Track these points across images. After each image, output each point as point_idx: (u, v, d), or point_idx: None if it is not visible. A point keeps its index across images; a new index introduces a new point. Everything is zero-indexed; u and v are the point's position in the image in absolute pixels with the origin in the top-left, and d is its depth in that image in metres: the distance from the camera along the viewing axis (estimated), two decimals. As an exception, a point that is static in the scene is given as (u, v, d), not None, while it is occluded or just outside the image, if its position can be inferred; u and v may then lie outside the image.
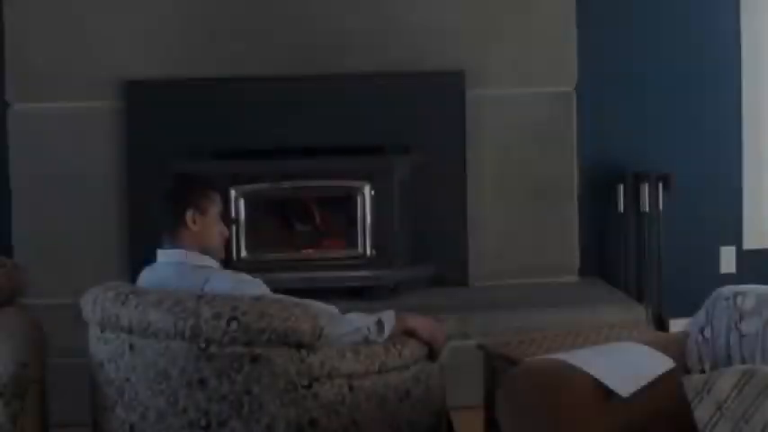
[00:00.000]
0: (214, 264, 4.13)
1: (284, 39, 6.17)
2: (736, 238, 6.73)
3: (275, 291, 3.99)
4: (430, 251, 6.34)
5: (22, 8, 6.05)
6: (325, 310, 3.86)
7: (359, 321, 3.94)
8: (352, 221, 6.20)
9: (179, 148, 6.08)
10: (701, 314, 3.68)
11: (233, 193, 5.98)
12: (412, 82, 6.24)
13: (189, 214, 4.09)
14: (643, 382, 3.46)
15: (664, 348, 3.67)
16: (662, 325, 6.35)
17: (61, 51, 6.11)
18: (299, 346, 3.63)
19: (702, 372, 3.53)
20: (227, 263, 4.99)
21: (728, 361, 3.52)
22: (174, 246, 4.11)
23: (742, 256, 6.72)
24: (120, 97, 6.13)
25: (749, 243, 6.73)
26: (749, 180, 6.71)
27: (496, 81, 6.32)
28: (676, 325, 6.06)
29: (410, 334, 4.01)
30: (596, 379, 3.41)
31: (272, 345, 3.59)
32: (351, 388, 3.74)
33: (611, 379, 3.43)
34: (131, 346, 3.75)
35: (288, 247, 6.33)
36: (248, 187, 6.08)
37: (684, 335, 3.74)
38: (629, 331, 4.65)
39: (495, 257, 6.40)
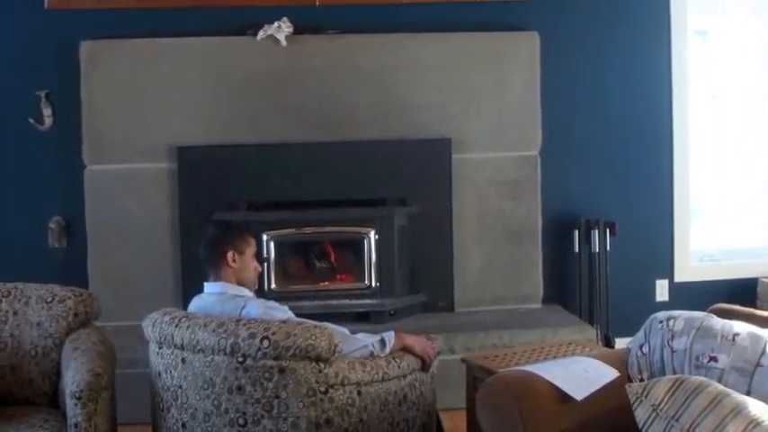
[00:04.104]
0: (249, 293, 4.14)
1: (306, 112, 6.17)
2: (668, 272, 6.70)
3: (298, 315, 4.01)
4: (423, 283, 6.32)
5: (96, 90, 6.06)
6: (338, 330, 3.87)
7: (365, 340, 3.96)
8: (361, 259, 6.16)
9: (221, 200, 6.07)
10: (641, 334, 3.69)
11: (265, 237, 5.95)
12: (409, 147, 6.22)
13: (229, 254, 4.12)
14: (594, 389, 3.46)
15: (610, 361, 3.67)
16: (609, 343, 6.33)
17: (126, 123, 6.10)
18: (317, 359, 3.63)
19: (641, 380, 3.53)
20: (260, 293, 5.02)
21: (662, 371, 3.52)
22: (217, 279, 4.13)
23: (673, 287, 6.70)
24: (173, 160, 6.11)
25: (679, 277, 6.71)
26: (679, 226, 6.69)
27: (476, 147, 6.31)
28: (620, 343, 6.05)
29: (407, 350, 4.03)
30: (556, 386, 3.42)
31: (296, 359, 3.60)
32: (359, 393, 3.74)
33: (568, 386, 3.43)
34: (183, 360, 3.75)
35: (309, 280, 6.30)
36: (277, 232, 6.05)
37: (627, 351, 3.75)
38: (583, 348, 4.64)
39: (475, 288, 6.37)
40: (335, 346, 3.67)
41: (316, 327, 3.70)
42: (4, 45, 6.15)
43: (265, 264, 5.91)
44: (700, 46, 6.81)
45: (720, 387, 3.07)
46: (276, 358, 3.59)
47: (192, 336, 3.70)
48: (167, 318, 3.86)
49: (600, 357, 3.74)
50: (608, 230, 6.43)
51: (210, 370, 3.67)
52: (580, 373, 3.53)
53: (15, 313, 4.27)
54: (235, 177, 6.14)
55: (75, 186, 6.12)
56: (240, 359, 3.61)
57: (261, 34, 6.07)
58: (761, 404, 3.01)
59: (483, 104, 6.30)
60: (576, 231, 6.49)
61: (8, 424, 3.85)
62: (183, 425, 3.78)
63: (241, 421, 3.64)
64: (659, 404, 3.04)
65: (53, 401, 4.19)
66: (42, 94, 6.14)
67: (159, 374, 3.88)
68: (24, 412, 4.01)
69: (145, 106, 6.13)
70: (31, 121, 6.14)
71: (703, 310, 3.68)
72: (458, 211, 6.32)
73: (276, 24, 6.07)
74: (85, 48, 6.05)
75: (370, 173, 6.22)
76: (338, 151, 6.21)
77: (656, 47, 6.58)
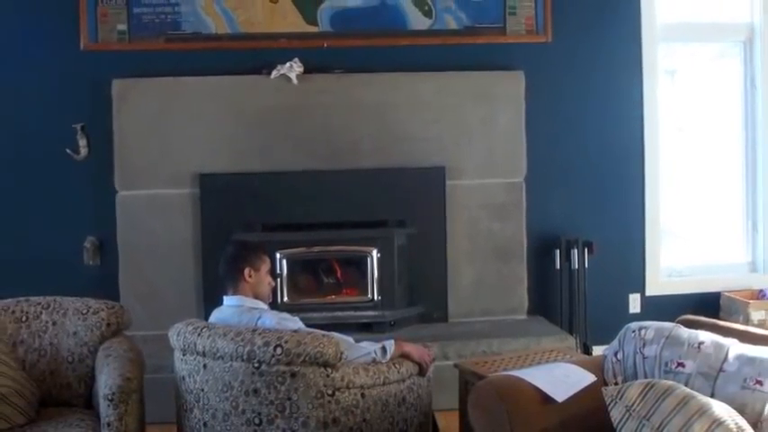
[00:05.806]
0: (264, 306, 4.15)
1: (315, 143, 6.19)
2: (640, 287, 6.69)
3: (308, 325, 4.02)
4: (420, 296, 6.31)
5: (126, 123, 6.08)
6: (344, 339, 3.88)
7: (368, 347, 3.97)
8: (364, 275, 6.15)
9: (238, 222, 6.07)
10: (615, 342, 3.70)
11: (278, 255, 5.96)
12: (407, 175, 6.23)
13: (246, 270, 4.13)
14: (573, 391, 3.47)
15: (588, 367, 3.68)
16: (587, 350, 6.33)
17: (153, 153, 6.12)
18: (325, 365, 3.65)
19: (616, 384, 3.54)
20: (274, 305, 5.01)
21: (635, 376, 3.53)
22: (235, 293, 4.14)
23: (645, 300, 6.67)
24: (196, 186, 6.13)
25: (650, 291, 6.69)
26: (650, 245, 6.70)
27: (468, 174, 6.31)
28: (597, 350, 6.05)
29: (406, 356, 4.04)
30: (539, 389, 3.43)
31: (306, 364, 3.61)
32: (362, 395, 3.76)
33: (550, 389, 3.44)
34: (205, 366, 3.77)
35: (317, 294, 6.27)
36: (289, 251, 6.05)
37: (603, 357, 3.76)
38: (563, 355, 4.64)
39: (467, 301, 6.36)
40: (341, 353, 3.69)
41: (324, 336, 3.71)
42: (45, 83, 6.17)
43: (278, 279, 5.92)
44: (669, 84, 6.84)
45: (687, 390, 3.09)
46: (288, 364, 3.61)
47: (213, 344, 3.72)
48: (190, 328, 3.88)
49: (579, 363, 3.75)
50: (586, 249, 6.43)
51: (229, 375, 3.69)
52: (561, 378, 3.54)
53: (54, 324, 4.30)
54: (251, 201, 6.14)
55: (107, 210, 6.14)
56: (256, 365, 3.63)
57: (274, 73, 6.10)
58: (723, 405, 3.03)
59: (474, 136, 6.32)
60: (558, 250, 6.49)
61: (48, 423, 3.88)
62: (205, 424, 3.79)
63: (257, 421, 3.66)
64: (632, 405, 3.06)
65: (88, 403, 4.21)
66: (78, 126, 6.16)
67: (183, 379, 3.90)
68: (62, 413, 4.04)
69: (170, 138, 6.15)
70: (68, 151, 6.16)
71: (672, 321, 3.69)
72: (451, 232, 6.32)
73: (288, 65, 6.11)
74: (117, 85, 6.08)
75: (372, 198, 6.22)
76: (343, 178, 6.21)
77: (630, 84, 6.59)
